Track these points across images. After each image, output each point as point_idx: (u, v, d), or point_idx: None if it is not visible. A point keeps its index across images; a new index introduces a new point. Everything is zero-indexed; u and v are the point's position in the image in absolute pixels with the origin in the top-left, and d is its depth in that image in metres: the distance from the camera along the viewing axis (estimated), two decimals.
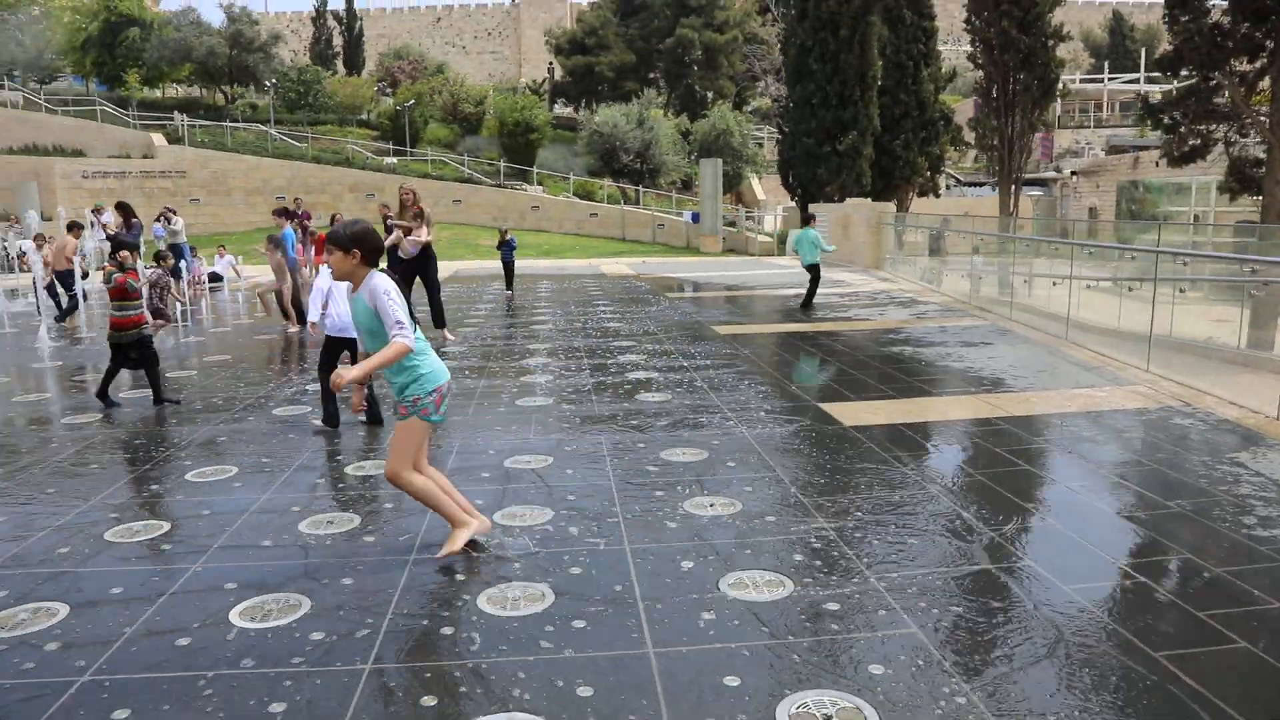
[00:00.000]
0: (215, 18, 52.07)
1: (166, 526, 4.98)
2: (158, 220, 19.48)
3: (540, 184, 43.30)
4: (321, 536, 4.82)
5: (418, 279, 11.53)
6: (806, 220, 15.42)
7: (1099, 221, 36.85)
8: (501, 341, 11.77)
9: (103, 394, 8.08)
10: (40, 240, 18.20)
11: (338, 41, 74.41)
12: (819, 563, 4.36)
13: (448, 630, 3.75)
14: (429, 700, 3.21)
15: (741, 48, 56.01)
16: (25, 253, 20.82)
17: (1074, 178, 45.78)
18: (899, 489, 5.46)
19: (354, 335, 6.17)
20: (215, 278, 20.26)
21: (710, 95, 57.02)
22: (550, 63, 67.52)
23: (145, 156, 39.26)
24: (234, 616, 3.86)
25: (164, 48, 49.54)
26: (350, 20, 74.53)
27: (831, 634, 3.65)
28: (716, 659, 3.45)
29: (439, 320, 12.12)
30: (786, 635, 3.64)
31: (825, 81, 29.92)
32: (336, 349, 7.27)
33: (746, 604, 3.91)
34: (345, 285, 4.59)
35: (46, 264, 14.80)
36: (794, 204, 33.10)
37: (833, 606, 3.88)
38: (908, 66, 32.88)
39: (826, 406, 7.71)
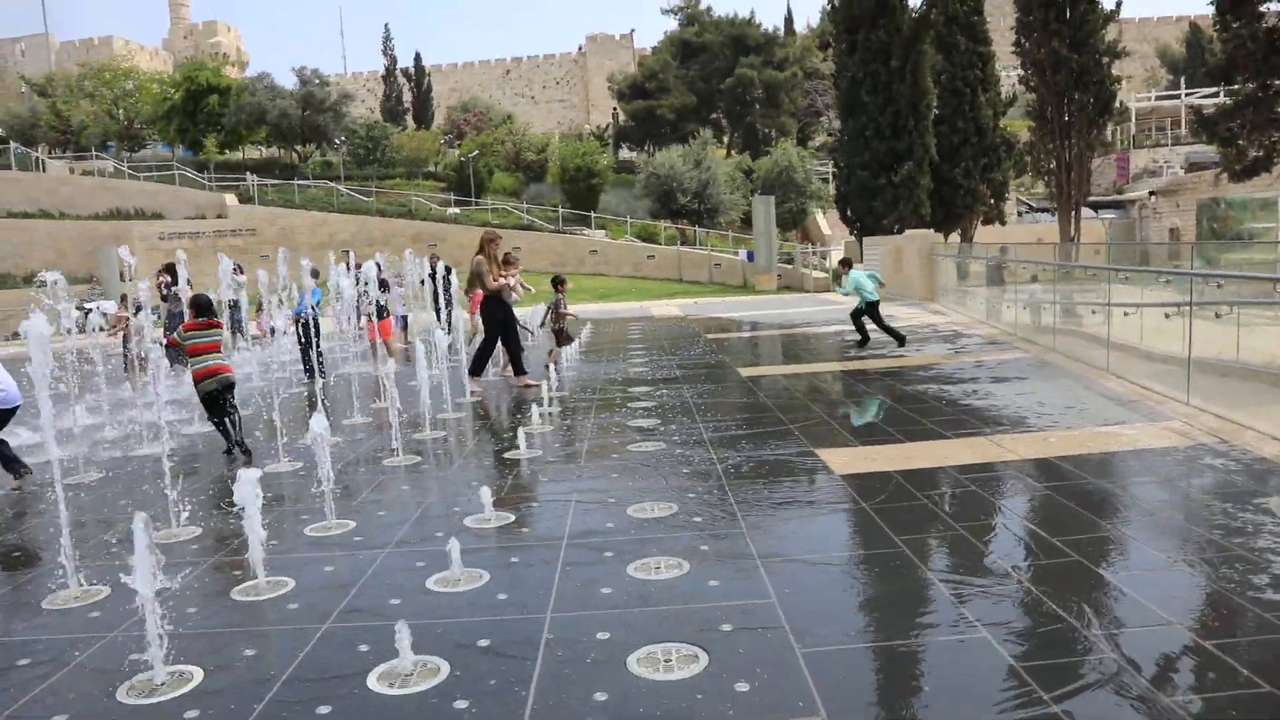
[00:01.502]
0: (289, 81, 54.07)
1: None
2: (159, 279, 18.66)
3: (603, 228, 43.46)
4: None
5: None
6: (847, 264, 14.93)
7: (1180, 243, 35.24)
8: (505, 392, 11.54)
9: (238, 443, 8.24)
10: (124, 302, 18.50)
11: (408, 98, 76.65)
12: (728, 627, 3.91)
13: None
14: None
15: (802, 84, 55.80)
16: (106, 314, 21.38)
17: (1153, 198, 44.03)
18: (861, 544, 4.96)
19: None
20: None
21: (772, 132, 56.81)
22: (614, 108, 68.25)
23: (219, 216, 40.74)
24: None
25: (240, 112, 51.58)
26: (419, 77, 76.79)
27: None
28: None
29: (519, 367, 11.61)
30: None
31: (878, 113, 29.39)
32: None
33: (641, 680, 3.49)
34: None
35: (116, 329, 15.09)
36: (853, 238, 32.44)
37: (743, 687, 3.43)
38: (964, 93, 32.19)
39: (823, 452, 7.21)
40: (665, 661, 3.70)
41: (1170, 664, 3.53)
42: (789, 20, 67.81)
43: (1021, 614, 4.03)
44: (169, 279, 15.75)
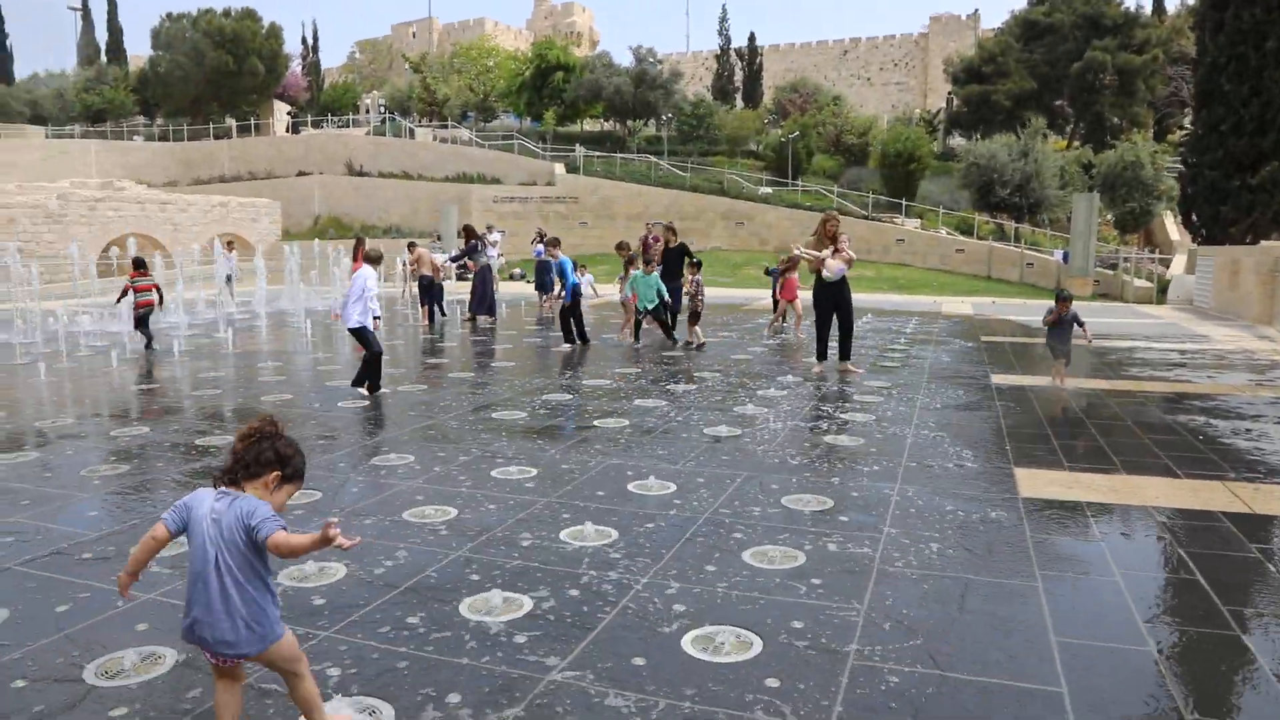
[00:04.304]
0: (627, 59, 56.96)
1: None
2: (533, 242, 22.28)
3: (919, 217, 41.83)
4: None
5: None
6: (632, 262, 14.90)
7: None
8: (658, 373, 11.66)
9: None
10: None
11: (740, 77, 77.82)
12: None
13: None
14: None
15: (1164, 69, 49.87)
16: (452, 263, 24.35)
17: None
18: (965, 569, 4.63)
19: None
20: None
21: (1123, 123, 51.47)
22: (949, 92, 65.04)
23: (548, 184, 44.01)
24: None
25: (580, 88, 55.19)
26: (751, 56, 77.55)
27: None
28: None
29: (844, 353, 11.61)
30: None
31: (1240, 104, 25.70)
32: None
33: None
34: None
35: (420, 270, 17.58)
36: (1194, 246, 28.77)
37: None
38: None
39: (1020, 472, 6.71)
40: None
41: None
42: None
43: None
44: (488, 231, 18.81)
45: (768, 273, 18.62)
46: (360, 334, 9.70)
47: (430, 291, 17.33)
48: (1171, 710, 3.32)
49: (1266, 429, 8.46)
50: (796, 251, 12.03)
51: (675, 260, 15.34)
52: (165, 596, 4.26)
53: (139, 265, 14.00)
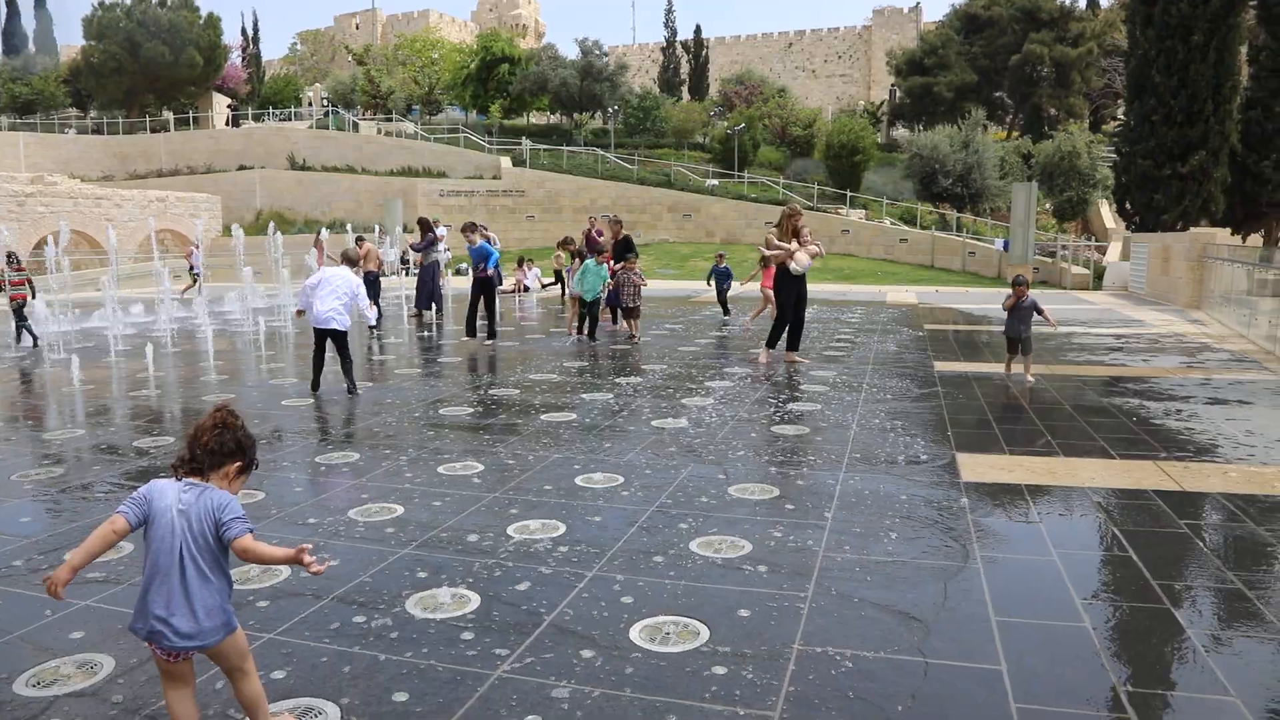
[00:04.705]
0: (573, 51, 56.76)
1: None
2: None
3: (864, 208, 42.29)
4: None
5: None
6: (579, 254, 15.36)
7: None
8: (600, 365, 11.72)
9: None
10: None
11: (686, 69, 77.98)
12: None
13: None
14: None
15: (1098, 62, 51.07)
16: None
17: None
18: (905, 552, 4.72)
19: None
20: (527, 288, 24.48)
21: (1060, 115, 52.61)
22: (892, 84, 65.83)
23: (494, 178, 43.70)
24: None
25: (526, 80, 54.83)
26: (697, 49, 77.74)
27: None
28: None
29: (794, 343, 11.76)
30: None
31: (1169, 95, 26.40)
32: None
33: None
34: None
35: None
36: (1129, 233, 29.55)
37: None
38: None
39: (963, 457, 6.84)
40: None
41: None
42: None
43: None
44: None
45: (713, 275, 18.53)
46: (343, 338, 9.41)
47: (375, 287, 17.09)
48: (1107, 686, 3.42)
49: (1197, 410, 8.73)
50: (764, 252, 11.96)
51: (621, 253, 15.39)
52: (101, 603, 4.16)
53: (11, 259, 14.30)
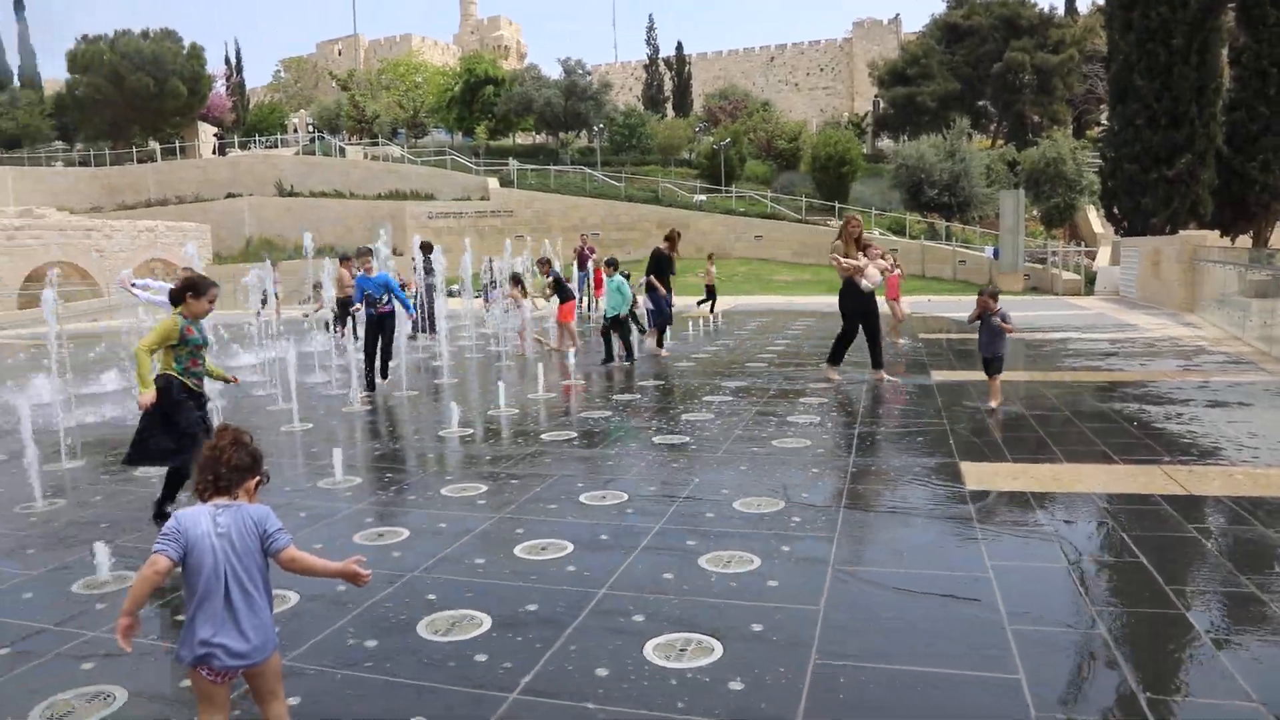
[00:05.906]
0: (556, 71, 57.02)
1: None
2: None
3: None
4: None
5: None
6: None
7: None
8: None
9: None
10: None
11: (669, 86, 78.36)
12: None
13: None
14: None
15: (1080, 68, 51.50)
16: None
17: None
18: (922, 564, 4.71)
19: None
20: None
21: (1043, 121, 53.00)
22: (875, 95, 66.30)
23: (482, 199, 43.77)
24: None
25: (511, 101, 55.05)
26: (680, 65, 78.12)
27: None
28: None
29: (877, 360, 11.09)
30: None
31: (1153, 99, 26.56)
32: None
33: None
34: None
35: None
36: (1118, 238, 29.68)
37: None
38: (1271, 74, 28.19)
39: (967, 465, 6.84)
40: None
41: None
42: None
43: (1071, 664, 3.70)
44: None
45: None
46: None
47: (348, 311, 16.48)
48: (1127, 692, 3.40)
49: (1198, 413, 8.75)
50: (840, 261, 10.76)
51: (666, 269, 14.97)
52: (108, 633, 4.12)
53: None
